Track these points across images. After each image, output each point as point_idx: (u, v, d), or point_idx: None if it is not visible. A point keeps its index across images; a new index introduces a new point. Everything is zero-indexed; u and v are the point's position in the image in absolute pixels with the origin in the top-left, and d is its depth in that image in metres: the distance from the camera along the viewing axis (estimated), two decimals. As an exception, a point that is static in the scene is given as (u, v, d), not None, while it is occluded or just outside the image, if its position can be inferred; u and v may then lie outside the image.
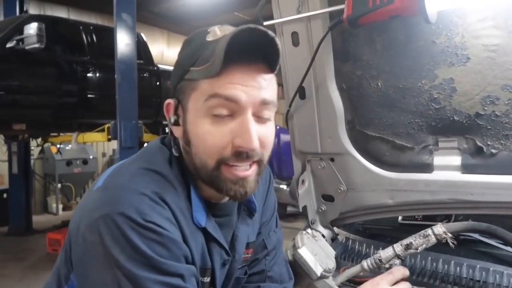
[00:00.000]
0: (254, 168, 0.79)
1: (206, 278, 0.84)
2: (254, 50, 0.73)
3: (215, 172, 0.76)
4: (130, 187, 0.73)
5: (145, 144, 5.61)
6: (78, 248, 0.74)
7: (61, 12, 8.72)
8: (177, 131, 0.81)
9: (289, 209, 6.00)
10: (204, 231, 0.82)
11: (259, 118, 0.77)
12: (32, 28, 4.65)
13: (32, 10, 7.62)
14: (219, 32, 0.76)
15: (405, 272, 0.99)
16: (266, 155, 0.80)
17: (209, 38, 0.76)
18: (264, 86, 0.76)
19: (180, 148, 0.83)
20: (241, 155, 0.75)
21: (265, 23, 1.29)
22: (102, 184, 0.77)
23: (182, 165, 0.82)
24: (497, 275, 1.13)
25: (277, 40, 0.73)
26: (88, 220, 0.71)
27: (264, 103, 0.76)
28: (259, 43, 0.72)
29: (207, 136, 0.75)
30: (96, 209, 0.71)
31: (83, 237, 0.72)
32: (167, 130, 6.79)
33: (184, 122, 0.78)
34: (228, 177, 0.76)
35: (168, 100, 0.81)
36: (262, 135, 0.77)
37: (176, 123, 0.80)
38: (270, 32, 0.71)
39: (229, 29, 0.76)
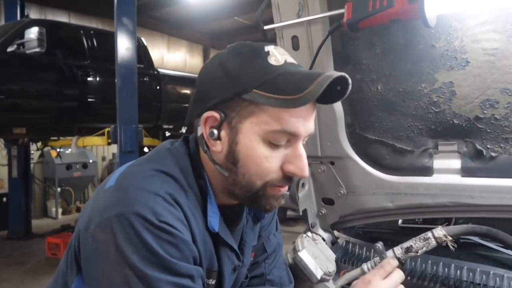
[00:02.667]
0: None
1: (211, 280, 0.85)
2: (330, 95, 0.75)
3: (261, 192, 0.79)
4: (144, 187, 0.73)
5: (145, 149, 5.62)
6: (88, 247, 0.73)
7: (61, 17, 8.75)
8: (217, 146, 0.78)
9: (289, 213, 5.99)
10: (215, 235, 0.83)
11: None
12: (33, 33, 4.66)
13: (33, 14, 7.65)
14: (279, 56, 0.76)
15: (395, 263, 0.95)
16: None
17: (272, 61, 0.75)
18: (314, 119, 0.80)
19: (197, 154, 0.83)
20: (290, 180, 0.79)
21: (266, 27, 1.30)
22: (115, 183, 0.76)
23: (198, 169, 0.82)
24: (497, 278, 1.13)
25: (350, 87, 0.75)
26: (100, 219, 0.71)
27: (311, 134, 0.80)
28: (338, 89, 0.75)
29: (262, 160, 0.76)
30: (109, 208, 0.71)
31: (93, 236, 0.72)
32: (167, 134, 6.82)
33: (232, 141, 0.77)
34: (272, 194, 0.80)
35: (211, 113, 0.77)
36: None
37: (217, 138, 0.78)
38: (349, 80, 0.74)
39: (286, 55, 0.78)
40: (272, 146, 0.76)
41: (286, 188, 0.81)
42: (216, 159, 0.79)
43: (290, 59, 0.78)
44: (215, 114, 0.77)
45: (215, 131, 0.77)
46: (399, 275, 0.92)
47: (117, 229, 0.69)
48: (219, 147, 0.78)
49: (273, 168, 0.77)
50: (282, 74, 0.74)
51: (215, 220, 0.82)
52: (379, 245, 1.01)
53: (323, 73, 0.72)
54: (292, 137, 0.76)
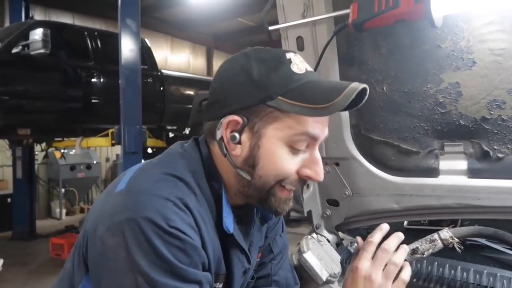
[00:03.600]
0: None
1: (219, 284, 0.84)
2: (349, 105, 0.75)
3: (272, 191, 0.80)
4: (155, 192, 0.73)
5: (149, 150, 5.62)
6: (96, 251, 0.73)
7: (66, 18, 8.80)
8: (236, 150, 0.79)
9: (293, 214, 5.97)
10: (226, 238, 0.83)
11: None
12: (37, 34, 4.69)
13: (38, 16, 7.69)
14: (300, 65, 0.78)
15: (376, 239, 0.89)
16: None
17: (295, 69, 0.77)
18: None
19: (211, 156, 0.84)
20: (304, 182, 0.82)
21: (270, 28, 1.30)
22: (125, 187, 0.76)
23: (211, 172, 0.82)
24: (505, 281, 1.12)
25: (366, 98, 0.77)
26: (110, 223, 0.71)
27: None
28: (356, 99, 0.75)
29: (284, 163, 0.78)
30: (119, 212, 0.71)
31: (101, 240, 0.71)
32: (170, 135, 6.83)
33: (254, 145, 0.78)
34: (282, 197, 0.82)
35: (234, 117, 0.77)
36: None
37: (237, 142, 0.78)
38: (368, 92, 0.76)
39: (305, 63, 0.80)
40: (293, 150, 0.78)
41: (292, 193, 0.84)
42: (237, 162, 0.80)
43: (310, 68, 0.81)
44: (238, 119, 0.77)
45: (237, 135, 0.78)
46: (384, 251, 0.86)
47: (127, 233, 0.69)
48: (238, 151, 0.79)
49: (291, 172, 0.79)
50: (307, 83, 0.77)
51: (229, 222, 0.82)
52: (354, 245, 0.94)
53: (348, 84, 0.74)
54: (311, 141, 0.79)
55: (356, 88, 0.73)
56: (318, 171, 0.80)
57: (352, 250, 0.95)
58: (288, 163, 0.78)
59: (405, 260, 1.13)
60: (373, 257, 0.87)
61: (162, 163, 0.82)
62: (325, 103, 0.72)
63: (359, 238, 0.95)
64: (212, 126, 0.81)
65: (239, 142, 0.78)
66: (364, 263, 0.86)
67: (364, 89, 0.75)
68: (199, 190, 0.79)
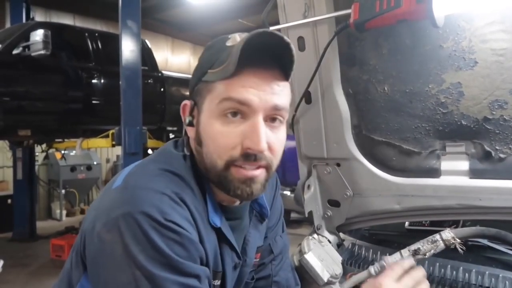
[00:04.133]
0: (262, 171, 0.79)
1: (216, 281, 0.84)
2: (269, 54, 0.75)
3: (224, 173, 0.77)
4: (151, 186, 0.73)
5: (149, 150, 5.63)
6: (93, 247, 0.73)
7: (67, 19, 8.80)
8: (191, 132, 0.83)
9: (293, 215, 5.97)
10: (218, 232, 0.82)
11: (270, 124, 0.78)
12: (38, 35, 4.69)
13: (38, 17, 7.68)
14: (238, 38, 0.78)
15: (406, 265, 0.94)
16: (275, 161, 0.80)
17: (229, 43, 0.78)
18: (277, 92, 0.77)
19: (192, 149, 0.84)
20: (249, 156, 0.76)
21: (271, 28, 1.29)
22: (122, 183, 0.76)
23: (195, 168, 0.83)
24: (507, 282, 1.11)
25: (292, 47, 0.74)
26: (106, 218, 0.71)
27: (276, 109, 0.77)
28: (275, 48, 0.74)
29: (218, 136, 0.76)
30: (116, 207, 0.71)
31: (99, 236, 0.71)
32: (171, 136, 6.82)
33: (198, 122, 0.80)
34: (236, 176, 0.77)
35: (185, 102, 0.84)
36: (271, 139, 0.78)
37: (191, 124, 0.82)
38: (286, 38, 0.73)
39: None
40: (226, 120, 0.76)
41: (256, 172, 0.77)
42: (192, 145, 0.83)
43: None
44: (187, 102, 0.83)
45: (188, 118, 0.82)
46: (411, 278, 0.90)
47: (124, 228, 0.68)
48: (193, 133, 0.82)
49: (230, 144, 0.76)
50: (230, 50, 0.75)
51: (215, 216, 0.82)
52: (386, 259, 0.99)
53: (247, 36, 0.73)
54: (245, 108, 0.75)
55: (242, 40, 0.71)
56: (256, 141, 0.74)
57: (377, 267, 1.00)
58: (223, 134, 0.76)
59: None
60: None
61: (157, 159, 0.83)
62: (227, 60, 0.73)
63: (388, 257, 1.03)
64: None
65: (192, 124, 0.81)
66: (389, 282, 0.89)
67: (266, 35, 0.72)
68: (194, 185, 0.79)
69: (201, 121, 0.79)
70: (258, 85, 0.75)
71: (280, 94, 0.77)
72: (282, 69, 0.77)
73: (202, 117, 0.79)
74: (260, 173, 0.78)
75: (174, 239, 0.70)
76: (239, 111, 0.75)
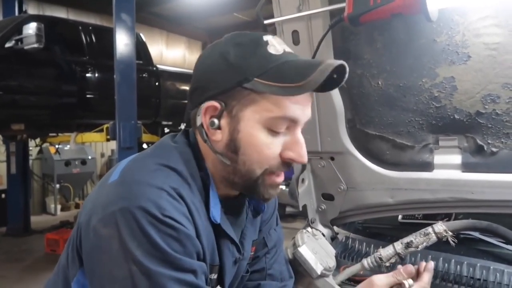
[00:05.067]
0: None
1: (213, 275, 0.84)
2: (328, 83, 0.75)
3: (260, 180, 0.79)
4: (148, 181, 0.72)
5: (144, 145, 5.61)
6: (89, 242, 0.73)
7: (60, 12, 8.71)
8: (216, 135, 0.79)
9: (288, 209, 6.00)
10: (217, 228, 0.82)
11: None
12: (31, 28, 4.65)
13: (31, 10, 7.61)
14: (278, 46, 0.77)
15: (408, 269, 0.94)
16: None
17: (272, 51, 0.76)
18: (311, 105, 0.81)
19: (197, 145, 0.84)
20: (288, 166, 0.80)
21: (266, 21, 1.29)
22: (118, 177, 0.76)
23: (199, 162, 0.82)
24: (498, 274, 1.13)
25: (347, 76, 0.75)
26: (103, 213, 0.71)
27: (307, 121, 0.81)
28: (334, 77, 0.75)
29: (263, 147, 0.77)
30: (112, 202, 0.71)
31: (95, 230, 0.71)
32: (166, 130, 6.81)
33: (233, 129, 0.77)
34: (270, 183, 0.81)
35: (212, 103, 0.77)
36: None
37: (217, 127, 0.78)
38: (347, 68, 0.74)
39: (283, 44, 0.79)
40: (272, 133, 0.77)
41: (282, 177, 0.82)
42: (216, 148, 0.80)
43: (288, 49, 0.79)
44: (216, 104, 0.77)
45: (216, 121, 0.78)
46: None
47: (121, 223, 0.68)
48: (219, 136, 0.79)
49: (274, 155, 0.78)
50: (283, 63, 0.75)
51: (216, 211, 0.82)
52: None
53: (323, 61, 0.73)
54: (292, 123, 0.78)
55: (332, 64, 0.72)
56: (301, 153, 0.78)
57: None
58: (268, 146, 0.77)
59: (400, 253, 1.14)
60: None
61: (154, 154, 0.82)
62: (300, 81, 0.71)
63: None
64: (194, 114, 0.81)
65: (219, 128, 0.78)
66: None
67: (342, 66, 0.73)
68: (192, 180, 0.79)
69: (239, 129, 0.77)
70: (305, 101, 0.78)
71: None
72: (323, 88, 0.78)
73: (243, 126, 0.77)
74: (282, 177, 0.83)
75: (171, 234, 0.69)
76: (286, 125, 0.77)
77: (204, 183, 0.81)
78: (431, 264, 0.94)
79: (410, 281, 0.92)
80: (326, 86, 0.76)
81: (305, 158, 0.79)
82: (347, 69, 0.75)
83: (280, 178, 0.82)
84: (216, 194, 0.83)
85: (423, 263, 0.94)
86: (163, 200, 0.71)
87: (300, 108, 0.77)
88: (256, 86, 0.74)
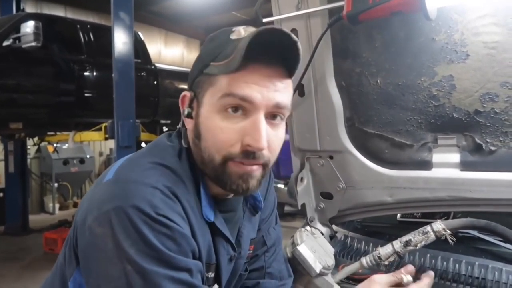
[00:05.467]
0: (259, 167, 0.79)
1: (210, 273, 0.84)
2: (275, 51, 0.74)
3: (221, 167, 0.77)
4: (142, 180, 0.73)
5: (143, 144, 5.62)
6: (85, 241, 0.73)
7: (58, 11, 8.69)
8: (189, 124, 0.82)
9: (287, 208, 6.00)
10: (212, 226, 0.82)
11: (271, 121, 0.78)
12: (29, 27, 4.64)
13: (29, 8, 7.60)
14: (243, 32, 0.77)
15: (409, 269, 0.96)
16: (272, 159, 0.80)
17: (233, 36, 0.76)
18: (280, 89, 0.76)
19: (189, 142, 0.84)
20: (249, 154, 0.75)
21: (264, 20, 1.28)
22: (113, 177, 0.76)
23: (191, 160, 0.82)
24: (496, 272, 1.13)
25: (299, 45, 0.73)
26: (97, 212, 0.71)
27: (278, 107, 0.76)
28: (281, 45, 0.73)
29: (217, 131, 0.76)
30: (107, 201, 0.71)
31: (90, 229, 0.71)
32: (164, 129, 6.81)
33: (197, 115, 0.79)
34: (234, 170, 0.77)
35: (185, 93, 0.82)
36: (271, 138, 0.77)
37: (189, 116, 0.81)
38: (294, 36, 0.72)
39: (251, 29, 0.77)
40: (227, 116, 0.75)
41: (254, 167, 0.77)
42: (189, 138, 0.82)
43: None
44: (187, 93, 0.82)
45: (187, 109, 0.81)
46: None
47: (115, 222, 0.68)
48: (191, 125, 0.81)
49: (230, 140, 0.75)
50: (235, 44, 0.74)
51: (209, 210, 0.81)
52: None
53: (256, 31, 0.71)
54: (247, 104, 0.74)
55: (251, 34, 0.70)
56: (257, 137, 0.73)
57: (404, 280, 0.98)
58: (222, 130, 0.75)
59: (399, 252, 1.14)
60: None
61: (149, 152, 0.82)
62: (231, 55, 0.72)
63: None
64: None
65: (191, 116, 0.81)
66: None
67: (276, 30, 0.71)
68: (187, 178, 0.79)
69: (200, 114, 0.78)
70: (261, 82, 0.74)
71: (282, 91, 0.76)
72: (286, 66, 0.77)
73: (202, 110, 0.78)
74: (257, 169, 0.78)
75: (165, 233, 0.69)
76: (240, 107, 0.74)
77: (196, 181, 0.81)
78: (432, 273, 0.95)
79: (409, 277, 0.93)
80: (284, 58, 0.74)
81: (261, 142, 0.74)
82: (293, 37, 0.71)
83: (248, 168, 0.76)
84: (208, 192, 0.82)
85: (427, 272, 0.94)
86: (157, 198, 0.71)
87: (254, 88, 0.73)
88: (211, 70, 0.76)
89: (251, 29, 0.77)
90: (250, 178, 0.78)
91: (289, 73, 0.78)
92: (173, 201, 0.73)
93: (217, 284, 0.88)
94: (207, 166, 0.79)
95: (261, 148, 0.75)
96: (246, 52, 0.69)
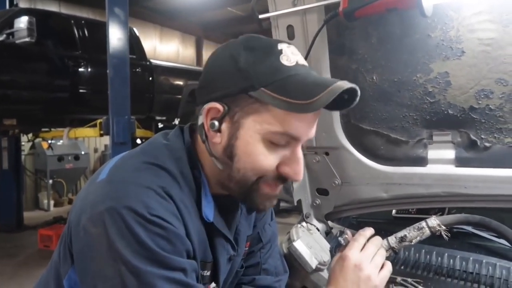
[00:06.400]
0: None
1: (206, 271, 0.84)
2: (337, 103, 0.73)
3: (253, 187, 0.78)
4: (136, 181, 0.72)
5: (138, 140, 5.60)
6: (79, 241, 0.73)
7: (52, 6, 8.62)
8: (216, 138, 0.77)
9: (282, 204, 6.01)
10: (209, 226, 0.82)
11: None
12: (22, 22, 4.60)
13: (23, 3, 7.51)
14: (291, 56, 0.74)
15: (368, 233, 0.97)
16: None
17: (284, 61, 0.73)
18: (316, 124, 0.79)
19: (194, 143, 0.83)
20: (284, 180, 0.79)
21: (260, 16, 1.28)
22: (106, 176, 0.75)
23: (192, 161, 0.81)
24: (490, 267, 1.14)
25: (358, 98, 0.74)
26: (91, 212, 0.71)
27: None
28: (345, 98, 0.74)
29: (260, 157, 0.75)
30: (100, 201, 0.71)
31: (84, 230, 0.71)
32: (160, 125, 6.79)
33: (232, 135, 0.76)
34: (265, 192, 0.79)
35: (215, 105, 0.75)
36: None
37: (217, 130, 0.77)
38: (358, 91, 0.73)
39: (298, 55, 0.76)
40: (271, 146, 0.75)
41: (280, 188, 0.81)
42: (214, 150, 0.79)
43: (302, 61, 0.77)
44: (219, 106, 0.75)
45: (216, 123, 0.76)
46: (373, 245, 0.93)
47: (108, 223, 0.68)
48: (218, 139, 0.77)
49: (269, 167, 0.77)
50: (293, 76, 0.72)
51: (209, 210, 0.81)
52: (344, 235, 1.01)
53: (335, 81, 0.71)
54: (292, 140, 0.76)
55: (342, 86, 0.69)
56: (297, 171, 0.77)
57: (342, 240, 1.00)
58: (265, 158, 0.75)
59: (394, 247, 1.15)
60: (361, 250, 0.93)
61: (144, 152, 0.81)
62: (308, 99, 0.69)
63: (348, 230, 1.02)
64: (197, 112, 0.81)
65: (219, 130, 0.77)
66: (354, 253, 0.91)
67: (353, 89, 0.72)
68: (182, 178, 0.78)
69: (239, 136, 0.75)
70: (311, 120, 0.76)
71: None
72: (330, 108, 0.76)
73: (242, 133, 0.75)
74: (280, 189, 0.82)
75: (160, 233, 0.69)
76: (286, 140, 0.76)
77: (196, 181, 0.81)
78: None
79: (345, 235, 1.00)
80: (335, 105, 0.74)
81: (300, 176, 0.78)
82: (359, 92, 0.73)
83: (277, 191, 0.80)
84: (209, 193, 0.82)
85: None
86: (150, 199, 0.70)
87: (304, 126, 0.75)
88: (261, 96, 0.72)
89: (296, 53, 0.76)
90: (275, 198, 0.82)
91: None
92: (167, 201, 0.73)
93: (215, 283, 0.88)
94: (236, 185, 0.79)
95: (298, 180, 0.82)
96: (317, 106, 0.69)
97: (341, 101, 0.75)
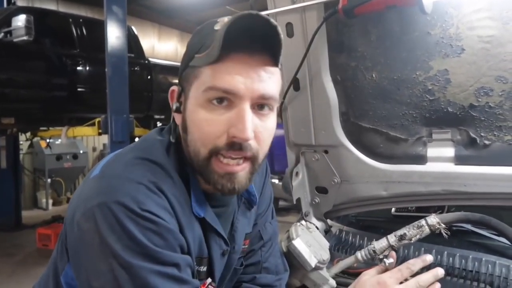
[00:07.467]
0: (246, 165, 0.77)
1: (202, 267, 0.84)
2: (255, 37, 0.71)
3: (206, 162, 0.76)
4: (127, 176, 0.72)
5: (136, 139, 5.59)
6: (73, 237, 0.73)
7: (50, 4, 8.59)
8: (178, 118, 0.81)
9: (281, 203, 6.02)
10: (202, 221, 0.82)
11: (258, 111, 0.75)
12: (20, 20, 4.58)
13: (20, 2, 7.49)
14: (225, 19, 0.73)
15: (413, 268, 0.93)
16: (262, 151, 0.78)
17: (217, 26, 0.73)
18: (265, 79, 0.74)
19: (179, 136, 0.83)
20: (235, 145, 0.73)
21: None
22: (99, 172, 0.76)
23: (180, 155, 0.81)
24: (489, 265, 1.14)
25: (279, 30, 0.71)
26: (84, 208, 0.71)
27: (264, 97, 0.74)
28: (261, 31, 0.70)
29: (203, 123, 0.74)
30: (92, 197, 0.71)
31: (78, 225, 0.71)
32: (158, 124, 6.78)
33: (184, 109, 0.78)
34: (215, 169, 0.76)
35: (173, 87, 0.82)
36: (259, 129, 0.75)
37: (178, 111, 0.80)
38: (272, 21, 0.70)
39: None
40: (212, 108, 0.73)
41: (236, 166, 0.75)
42: (180, 133, 0.81)
43: None
44: (175, 88, 0.82)
45: (176, 104, 0.80)
46: (415, 282, 0.89)
47: (99, 218, 0.68)
48: (179, 119, 0.80)
49: (215, 132, 0.73)
50: (216, 33, 0.71)
51: (199, 205, 0.81)
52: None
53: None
54: (231, 96, 0.73)
55: (227, 22, 0.67)
56: (241, 128, 0.71)
57: (387, 263, 0.98)
58: (208, 122, 0.73)
59: (393, 246, 1.14)
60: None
61: (137, 148, 0.82)
62: (210, 45, 0.70)
63: (394, 253, 1.00)
64: None
65: (179, 111, 0.80)
66: (393, 283, 0.89)
67: (253, 18, 0.68)
68: (175, 173, 0.78)
69: (187, 108, 0.77)
70: (245, 72, 0.72)
71: (268, 81, 0.74)
72: (271, 54, 0.74)
73: (188, 103, 0.77)
74: (242, 169, 0.76)
75: (151, 228, 0.69)
76: (225, 98, 0.73)
77: (186, 177, 0.80)
78: (441, 270, 0.93)
79: (390, 259, 0.97)
80: (266, 46, 0.72)
81: (246, 133, 0.72)
82: (269, 19, 0.69)
83: (231, 168, 0.75)
84: (198, 187, 0.81)
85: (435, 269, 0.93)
86: (141, 194, 0.70)
87: (238, 79, 0.71)
88: (195, 62, 0.75)
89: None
90: (235, 178, 0.76)
91: (275, 61, 0.75)
92: (159, 196, 0.72)
93: (210, 278, 0.88)
94: (193, 160, 0.78)
95: (246, 139, 0.72)
96: (225, 40, 0.67)
97: (268, 39, 0.71)
